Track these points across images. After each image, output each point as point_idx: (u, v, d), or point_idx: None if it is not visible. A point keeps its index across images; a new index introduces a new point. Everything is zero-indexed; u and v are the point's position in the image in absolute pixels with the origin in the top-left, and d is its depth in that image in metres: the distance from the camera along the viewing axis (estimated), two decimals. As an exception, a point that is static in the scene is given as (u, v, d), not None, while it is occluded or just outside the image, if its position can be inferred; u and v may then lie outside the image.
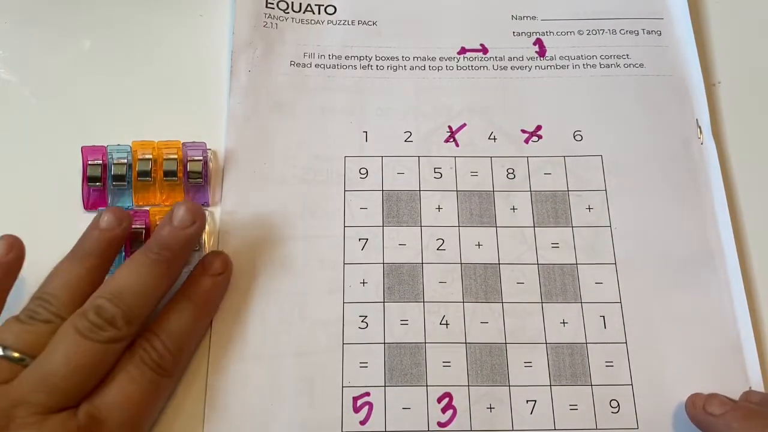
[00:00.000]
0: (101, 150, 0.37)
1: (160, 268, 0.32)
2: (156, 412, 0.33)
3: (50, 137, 0.39)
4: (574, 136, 0.40)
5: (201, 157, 0.37)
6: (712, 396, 0.33)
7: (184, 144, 0.38)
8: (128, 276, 0.32)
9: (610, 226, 0.38)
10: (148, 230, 0.36)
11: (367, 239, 0.37)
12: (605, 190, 0.39)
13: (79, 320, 0.30)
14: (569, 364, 0.35)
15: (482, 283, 0.37)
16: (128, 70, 0.41)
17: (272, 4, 0.43)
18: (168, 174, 0.37)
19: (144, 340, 0.32)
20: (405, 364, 0.35)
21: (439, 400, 0.34)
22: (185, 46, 0.42)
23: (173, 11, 0.43)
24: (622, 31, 0.43)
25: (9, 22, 0.43)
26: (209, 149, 0.38)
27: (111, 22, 0.43)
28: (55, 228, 0.36)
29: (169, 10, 0.43)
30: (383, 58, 0.42)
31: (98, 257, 0.33)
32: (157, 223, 0.36)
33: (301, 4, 0.43)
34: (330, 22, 0.43)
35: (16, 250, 0.33)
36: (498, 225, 0.38)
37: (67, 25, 0.43)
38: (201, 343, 0.35)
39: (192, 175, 0.37)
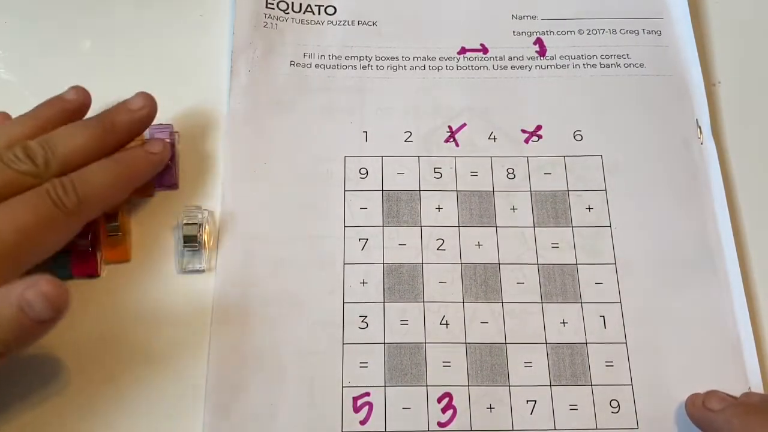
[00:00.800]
0: None
1: (95, 130, 0.34)
2: (44, 249, 0.32)
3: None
4: (574, 136, 0.40)
5: (168, 140, 0.37)
6: (712, 392, 0.33)
7: (151, 127, 0.38)
8: (65, 130, 0.34)
9: (610, 226, 0.38)
10: (96, 232, 0.36)
11: (367, 239, 0.37)
12: (605, 190, 0.39)
13: (5, 151, 0.32)
14: (569, 364, 0.35)
15: (482, 283, 0.37)
16: (128, 70, 0.41)
17: (272, 4, 0.43)
18: None
19: (55, 179, 0.33)
20: (405, 364, 0.35)
21: (439, 400, 0.34)
22: (185, 46, 0.42)
23: (173, 11, 0.43)
24: (622, 31, 0.43)
25: (9, 22, 0.43)
26: (176, 131, 0.39)
27: (111, 22, 0.43)
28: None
29: (169, 10, 0.43)
30: (383, 58, 0.42)
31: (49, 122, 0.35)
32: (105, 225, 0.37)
33: (301, 4, 0.43)
34: (330, 22, 0.43)
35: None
36: (498, 225, 0.38)
37: (67, 25, 0.43)
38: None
39: None
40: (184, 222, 0.36)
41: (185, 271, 0.36)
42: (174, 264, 0.37)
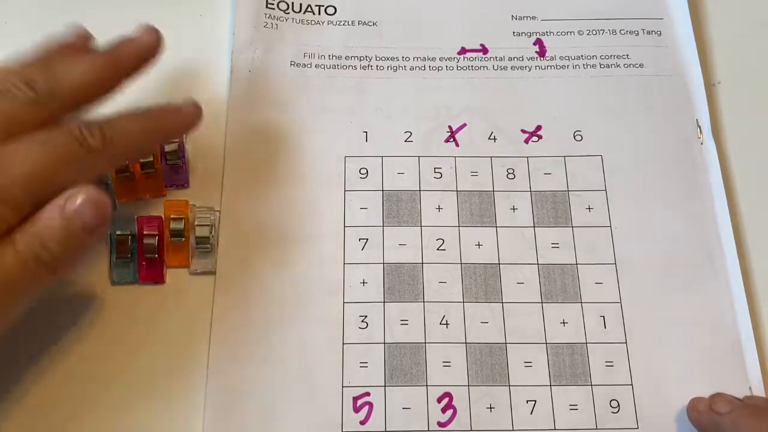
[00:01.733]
0: None
1: (98, 62, 0.33)
2: (60, 186, 0.29)
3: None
4: (574, 136, 0.40)
5: (177, 140, 0.37)
6: (718, 395, 0.33)
7: None
8: (65, 60, 0.32)
9: (610, 226, 0.38)
10: (162, 237, 0.36)
11: (367, 239, 0.37)
12: (605, 190, 0.39)
13: (1, 80, 0.30)
14: (569, 364, 0.35)
15: (482, 283, 0.37)
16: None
17: (272, 4, 0.43)
18: (145, 166, 0.37)
19: (80, 122, 0.31)
20: (405, 364, 0.35)
21: (439, 400, 0.34)
22: (185, 46, 0.42)
23: (173, 11, 0.43)
24: (622, 31, 0.43)
25: (9, 22, 0.43)
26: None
27: (111, 22, 0.43)
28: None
29: (169, 10, 0.43)
30: (383, 59, 0.42)
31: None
32: (170, 228, 0.36)
33: (301, 4, 0.43)
34: (330, 22, 0.43)
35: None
36: (498, 225, 0.38)
37: (67, 25, 0.43)
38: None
39: (169, 156, 0.37)
40: (197, 223, 0.36)
41: (197, 273, 0.36)
42: (184, 268, 0.37)
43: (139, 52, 0.34)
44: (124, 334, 0.35)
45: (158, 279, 0.36)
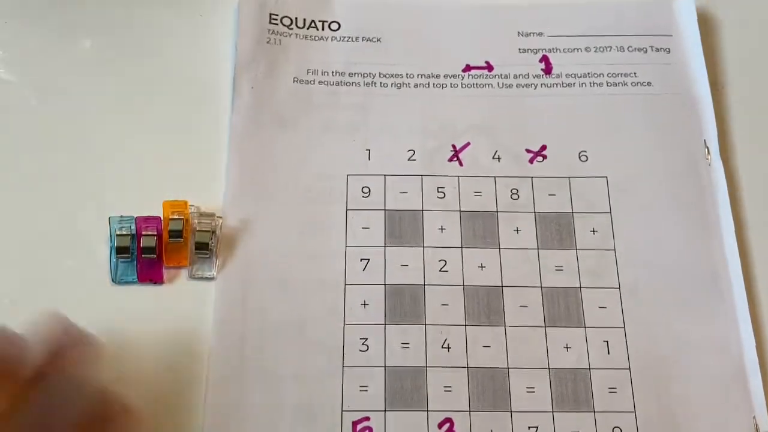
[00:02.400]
0: None
1: None
2: None
3: (49, 137, 0.39)
4: (580, 157, 0.40)
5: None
6: None
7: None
8: None
9: (615, 250, 0.38)
10: (160, 237, 0.36)
11: (368, 259, 0.37)
12: (610, 212, 0.38)
13: None
14: (572, 390, 0.35)
15: (485, 305, 0.36)
16: (129, 74, 0.41)
17: (276, 20, 0.42)
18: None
19: None
20: (406, 388, 0.35)
21: (440, 426, 0.34)
22: (187, 61, 0.42)
23: (177, 27, 0.43)
24: (630, 48, 0.42)
25: (9, 22, 0.42)
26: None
27: (111, 22, 0.43)
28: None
29: (173, 26, 0.43)
30: (387, 76, 0.41)
31: None
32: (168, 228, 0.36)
33: (304, 20, 0.42)
34: (334, 38, 0.42)
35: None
36: (501, 246, 0.38)
37: (67, 25, 0.43)
38: None
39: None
40: (197, 229, 0.36)
41: (195, 278, 0.36)
42: (185, 270, 0.37)
43: None
44: (123, 334, 0.35)
45: (156, 279, 0.36)
